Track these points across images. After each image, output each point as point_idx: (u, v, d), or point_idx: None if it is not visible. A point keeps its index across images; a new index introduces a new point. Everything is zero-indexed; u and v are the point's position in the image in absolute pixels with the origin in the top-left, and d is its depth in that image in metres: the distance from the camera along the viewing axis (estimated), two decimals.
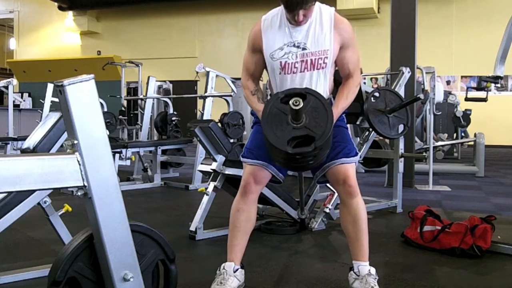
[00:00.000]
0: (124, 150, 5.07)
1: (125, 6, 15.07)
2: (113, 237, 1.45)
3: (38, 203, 2.29)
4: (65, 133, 1.77)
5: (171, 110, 6.50)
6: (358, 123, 3.82)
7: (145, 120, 6.45)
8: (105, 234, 1.44)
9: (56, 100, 4.58)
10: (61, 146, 2.17)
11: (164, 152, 6.03)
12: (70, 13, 15.94)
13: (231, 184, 3.13)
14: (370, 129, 3.78)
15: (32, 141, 2.28)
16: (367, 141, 3.86)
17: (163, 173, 5.92)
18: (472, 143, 7.33)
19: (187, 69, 12.71)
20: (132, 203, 4.40)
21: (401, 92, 3.97)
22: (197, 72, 6.40)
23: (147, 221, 1.77)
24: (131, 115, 10.43)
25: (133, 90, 12.45)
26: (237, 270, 2.10)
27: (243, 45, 2.20)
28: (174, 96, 7.99)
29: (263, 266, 2.51)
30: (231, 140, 5.10)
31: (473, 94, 5.78)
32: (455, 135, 9.24)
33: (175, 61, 14.77)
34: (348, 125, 2.63)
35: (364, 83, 4.19)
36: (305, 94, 1.93)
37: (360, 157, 3.81)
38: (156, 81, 6.87)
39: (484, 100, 4.81)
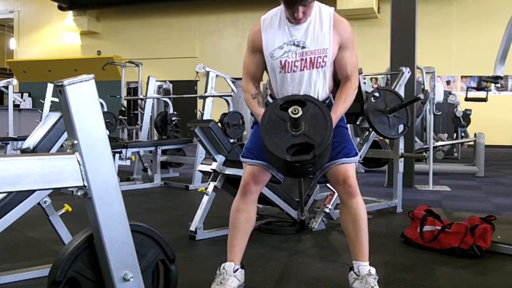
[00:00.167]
0: (124, 150, 5.07)
1: (125, 6, 15.07)
2: (113, 237, 1.45)
3: (38, 203, 2.29)
4: (65, 133, 1.77)
5: (171, 110, 6.50)
6: (358, 123, 3.82)
7: (145, 120, 6.44)
8: (105, 234, 1.44)
9: (56, 100, 4.58)
10: (61, 146, 2.17)
11: (164, 152, 6.03)
12: (70, 13, 15.94)
13: (231, 184, 3.13)
14: (370, 129, 3.78)
15: (32, 141, 2.28)
16: (367, 141, 3.86)
17: (163, 173, 5.92)
18: (472, 143, 7.33)
19: (187, 69, 12.72)
20: (132, 203, 4.40)
21: (401, 92, 3.97)
22: (197, 72, 6.40)
23: (147, 221, 1.77)
24: (131, 115, 10.43)
25: (133, 90, 12.45)
26: (237, 270, 2.11)
27: (243, 45, 2.20)
28: (174, 96, 7.99)
29: (263, 266, 2.51)
30: (231, 140, 5.10)
31: (473, 94, 5.78)
32: (455, 135, 9.24)
33: (175, 61, 14.77)
34: (348, 125, 2.63)
35: (364, 83, 4.18)
36: (305, 101, 1.92)
37: (360, 157, 3.81)
38: (156, 81, 6.87)
39: (484, 100, 4.81)
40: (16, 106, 10.71)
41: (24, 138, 5.09)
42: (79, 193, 1.43)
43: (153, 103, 6.75)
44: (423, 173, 5.83)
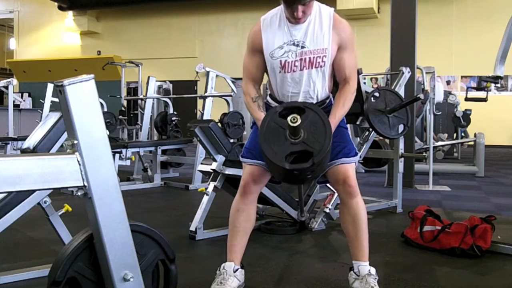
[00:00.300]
0: (124, 150, 5.07)
1: (125, 6, 15.07)
2: (113, 237, 1.45)
3: (38, 203, 2.29)
4: (65, 133, 1.77)
5: (171, 110, 6.50)
6: (358, 123, 3.82)
7: (145, 120, 6.45)
8: (105, 234, 1.44)
9: (56, 100, 4.58)
10: (61, 146, 2.17)
11: (164, 152, 6.03)
12: (70, 13, 15.95)
13: (231, 184, 3.13)
14: (370, 129, 3.78)
15: (32, 141, 2.28)
16: (367, 141, 3.86)
17: (163, 173, 5.92)
18: (472, 143, 7.33)
19: (187, 69, 12.72)
20: (132, 203, 4.40)
21: (401, 92, 3.97)
22: (197, 72, 6.40)
23: (147, 221, 1.77)
24: (131, 115, 10.43)
25: (133, 90, 12.46)
26: (237, 270, 2.11)
27: (243, 45, 2.19)
28: (174, 96, 7.99)
29: (263, 266, 2.51)
30: (231, 140, 5.10)
31: (473, 94, 5.78)
32: (455, 135, 9.24)
33: (175, 61, 14.77)
34: (348, 125, 2.63)
35: (364, 83, 4.16)
36: (304, 108, 1.91)
37: (360, 157, 3.81)
38: (156, 81, 6.87)
39: (484, 100, 4.81)
40: (16, 106, 10.71)
41: (24, 138, 5.09)
42: (79, 193, 1.43)
43: (153, 103, 6.75)
44: (423, 173, 5.83)
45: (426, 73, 7.17)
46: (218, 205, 3.29)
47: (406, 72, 4.15)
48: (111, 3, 14.96)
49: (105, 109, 7.77)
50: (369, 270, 2.06)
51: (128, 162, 5.15)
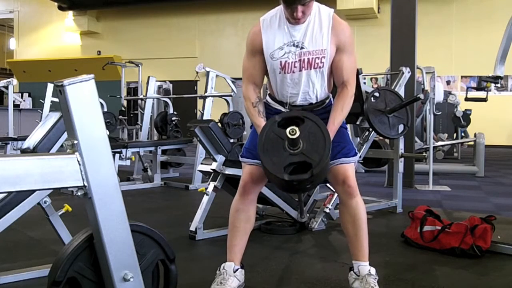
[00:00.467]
0: (124, 150, 5.07)
1: (125, 6, 15.07)
2: (113, 237, 1.45)
3: (38, 203, 2.29)
4: (65, 133, 1.77)
5: (171, 110, 6.50)
6: (358, 123, 3.82)
7: (145, 120, 6.45)
8: (105, 234, 1.44)
9: (56, 100, 4.58)
10: (61, 146, 2.17)
11: (164, 152, 6.03)
12: (70, 13, 15.94)
13: (231, 184, 3.13)
14: (370, 129, 3.78)
15: (32, 141, 2.28)
16: (367, 141, 3.86)
17: (163, 173, 5.92)
18: (472, 143, 7.33)
19: (187, 69, 12.71)
20: (132, 203, 4.40)
21: (401, 92, 3.97)
22: (197, 72, 6.40)
23: (147, 221, 1.77)
24: (131, 115, 10.42)
25: (133, 90, 12.45)
26: (237, 270, 2.11)
27: (243, 45, 2.17)
28: (174, 96, 7.99)
29: (263, 266, 2.51)
30: (231, 140, 5.10)
31: (473, 94, 5.78)
32: (455, 135, 9.24)
33: (175, 61, 14.77)
34: (348, 125, 2.63)
35: (364, 83, 4.17)
36: (303, 118, 1.91)
37: (360, 157, 3.81)
38: (156, 81, 6.87)
39: (484, 100, 4.81)
40: (16, 106, 10.71)
41: (24, 138, 5.09)
42: (79, 193, 1.43)
43: (153, 103, 6.75)
44: (423, 173, 5.83)
45: (426, 73, 7.17)
46: (218, 205, 3.29)
47: (406, 72, 4.15)
48: (111, 3, 14.95)
49: (105, 109, 7.77)
50: (369, 270, 2.06)
51: (128, 162, 5.15)
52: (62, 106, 1.42)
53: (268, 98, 2.24)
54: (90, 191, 1.41)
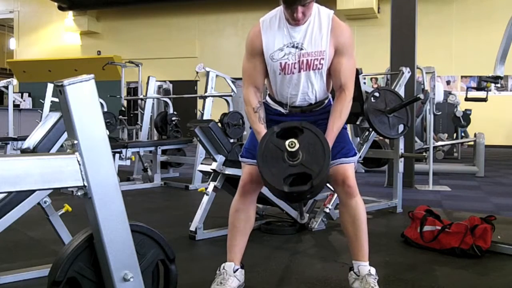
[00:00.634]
0: (124, 150, 5.07)
1: (125, 6, 15.07)
2: (113, 237, 1.45)
3: (38, 203, 2.29)
4: (65, 133, 1.77)
5: (171, 110, 6.50)
6: (358, 123, 3.82)
7: (145, 120, 6.45)
8: (105, 234, 1.44)
9: (56, 100, 4.57)
10: (61, 146, 2.17)
11: (164, 152, 6.03)
12: (70, 13, 15.94)
13: (231, 184, 3.13)
14: (370, 129, 3.78)
15: (32, 141, 2.28)
16: (367, 141, 3.86)
17: (163, 173, 5.92)
18: (472, 143, 7.33)
19: (187, 69, 12.70)
20: (132, 203, 4.40)
21: (401, 92, 3.97)
22: (197, 72, 6.40)
23: (147, 221, 1.77)
24: (131, 115, 10.42)
25: (133, 90, 12.45)
26: (237, 270, 2.11)
27: (243, 45, 2.16)
28: (174, 96, 7.99)
29: (263, 266, 2.51)
30: (231, 140, 5.10)
31: (473, 94, 5.78)
32: (455, 135, 9.24)
33: (175, 61, 14.76)
34: (348, 125, 2.62)
35: (364, 83, 4.18)
36: (302, 128, 1.90)
37: (360, 157, 3.81)
38: (156, 81, 6.87)
39: (484, 100, 4.81)
40: (16, 106, 10.71)
41: (24, 138, 5.09)
42: (79, 193, 1.43)
43: (153, 103, 6.75)
44: (423, 173, 5.83)
45: (426, 73, 7.17)
46: (218, 205, 3.29)
47: (406, 72, 4.15)
48: (111, 3, 14.96)
49: (105, 109, 7.77)
50: (369, 270, 2.06)
51: (128, 162, 5.15)
52: (62, 106, 1.42)
53: (267, 98, 2.24)
54: (90, 191, 1.41)
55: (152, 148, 5.71)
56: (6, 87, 6.30)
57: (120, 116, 8.51)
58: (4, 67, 19.58)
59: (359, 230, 2.08)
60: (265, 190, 3.02)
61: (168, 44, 15.17)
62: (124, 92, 9.03)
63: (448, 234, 2.74)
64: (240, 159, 2.18)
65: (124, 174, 5.99)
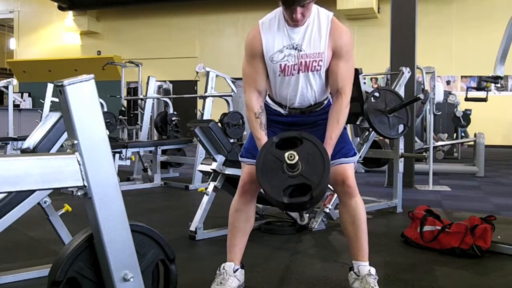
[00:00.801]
0: (124, 150, 5.07)
1: (125, 6, 15.06)
2: (113, 237, 1.45)
3: (38, 203, 2.29)
4: (65, 133, 1.77)
5: (171, 110, 6.50)
6: (358, 123, 3.82)
7: (145, 120, 6.45)
8: (105, 234, 1.44)
9: (56, 100, 4.57)
10: (61, 146, 2.17)
11: (164, 152, 6.03)
12: (70, 13, 15.94)
13: (231, 184, 3.13)
14: (370, 129, 3.78)
15: (32, 141, 2.28)
16: (367, 141, 3.86)
17: (163, 173, 5.92)
18: (472, 143, 7.33)
19: (187, 69, 12.70)
20: (132, 203, 4.40)
21: (401, 92, 3.97)
22: (197, 72, 6.40)
23: (147, 221, 1.77)
24: (131, 115, 10.42)
25: (133, 90, 12.45)
26: (237, 270, 2.11)
27: (243, 45, 2.15)
28: (174, 96, 7.99)
29: (263, 266, 2.51)
30: (231, 140, 5.10)
31: (473, 94, 5.79)
32: (455, 135, 9.24)
33: (175, 61, 14.76)
34: (348, 125, 2.62)
35: (364, 83, 4.19)
36: (301, 138, 1.90)
37: (360, 157, 3.81)
38: (156, 81, 6.87)
39: (484, 100, 4.82)
40: (16, 106, 10.71)
41: (24, 138, 5.09)
42: (79, 193, 1.43)
43: (153, 103, 6.75)
44: (423, 173, 5.83)
45: (426, 73, 7.17)
46: (218, 205, 3.29)
47: (406, 72, 4.15)
48: (111, 3, 14.95)
49: (105, 109, 7.77)
50: (369, 270, 2.06)
51: (128, 162, 5.15)
52: (62, 106, 1.42)
53: (267, 98, 2.24)
54: (90, 191, 1.41)
55: (152, 148, 5.71)
56: (6, 87, 6.30)
57: (120, 116, 8.51)
58: (4, 67, 19.58)
59: (359, 230, 2.08)
60: None
61: (168, 44, 15.16)
62: (124, 92, 9.03)
63: (448, 234, 2.74)
64: (240, 159, 2.18)
65: (124, 174, 5.99)
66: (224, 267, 2.11)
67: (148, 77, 6.61)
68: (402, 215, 3.91)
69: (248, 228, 2.16)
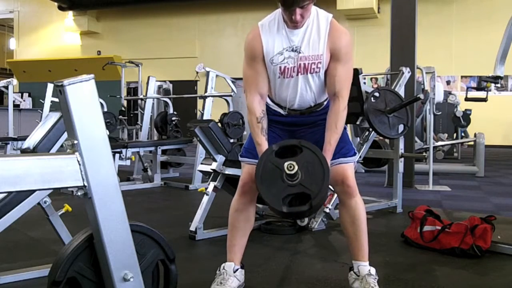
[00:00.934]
0: (124, 150, 5.07)
1: (125, 6, 15.06)
2: (113, 237, 1.45)
3: (38, 203, 2.29)
4: (65, 133, 1.77)
5: (171, 110, 6.50)
6: (358, 123, 3.82)
7: (145, 120, 6.45)
8: (105, 234, 1.44)
9: (56, 100, 4.57)
10: (61, 146, 2.17)
11: (164, 152, 6.03)
12: (70, 13, 15.94)
13: (231, 184, 3.13)
14: (370, 129, 3.77)
15: (32, 141, 2.28)
16: (367, 141, 3.86)
17: (163, 173, 5.92)
18: (472, 143, 7.33)
19: (187, 69, 12.69)
20: (132, 203, 4.40)
21: (401, 92, 3.97)
22: (197, 72, 6.40)
23: (147, 221, 1.77)
24: (131, 115, 10.42)
25: (133, 90, 12.44)
26: (237, 270, 2.11)
27: (243, 46, 2.15)
28: (174, 96, 7.98)
29: (263, 266, 2.51)
30: (231, 140, 5.10)
31: (473, 94, 5.79)
32: (455, 135, 9.24)
33: (175, 61, 14.76)
34: (348, 125, 2.62)
35: (364, 83, 4.20)
36: (301, 147, 1.90)
37: (360, 157, 3.81)
38: (156, 81, 6.87)
39: (484, 100, 4.81)
40: (16, 106, 10.71)
41: (24, 138, 5.09)
42: (79, 193, 1.43)
43: (153, 103, 6.75)
44: (423, 173, 5.83)
45: (426, 73, 7.17)
46: (218, 205, 3.29)
47: (406, 72, 4.15)
48: (111, 3, 14.95)
49: (105, 109, 7.77)
50: (369, 270, 2.06)
51: (128, 162, 5.15)
52: (62, 106, 1.42)
53: (267, 99, 2.23)
54: (90, 191, 1.41)
55: (152, 148, 5.71)
56: (6, 87, 6.30)
57: (120, 116, 8.51)
58: (4, 67, 19.57)
59: (359, 230, 2.08)
60: None
61: (168, 44, 15.16)
62: (124, 92, 9.03)
63: (448, 234, 2.74)
64: (240, 158, 2.18)
65: (124, 174, 5.99)
66: (224, 267, 2.11)
67: (148, 77, 6.61)
68: (402, 215, 3.91)
69: (248, 228, 2.16)
